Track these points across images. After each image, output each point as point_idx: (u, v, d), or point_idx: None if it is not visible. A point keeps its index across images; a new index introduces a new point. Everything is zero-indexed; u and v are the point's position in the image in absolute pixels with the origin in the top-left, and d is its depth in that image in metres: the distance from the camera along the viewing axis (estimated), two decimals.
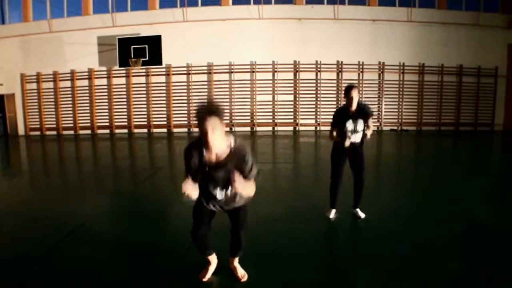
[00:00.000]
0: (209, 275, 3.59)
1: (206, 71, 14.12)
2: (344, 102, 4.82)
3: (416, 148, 11.73)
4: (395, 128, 14.51)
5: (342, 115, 4.78)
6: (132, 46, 13.73)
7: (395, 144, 12.08)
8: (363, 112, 4.72)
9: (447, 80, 14.51)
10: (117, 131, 14.38)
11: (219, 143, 2.96)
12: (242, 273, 3.57)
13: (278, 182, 7.15)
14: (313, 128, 14.40)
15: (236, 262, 3.65)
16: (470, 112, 14.73)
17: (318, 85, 14.19)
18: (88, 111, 14.48)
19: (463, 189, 6.62)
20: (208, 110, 2.84)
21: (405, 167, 8.42)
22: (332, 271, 3.74)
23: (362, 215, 5.08)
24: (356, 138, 4.78)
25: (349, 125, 4.74)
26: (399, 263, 3.78)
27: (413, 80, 14.39)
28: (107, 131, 14.44)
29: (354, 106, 4.67)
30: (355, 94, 4.63)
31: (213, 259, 3.64)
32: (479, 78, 14.62)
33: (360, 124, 4.72)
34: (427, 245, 4.14)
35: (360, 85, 14.14)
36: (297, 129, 14.38)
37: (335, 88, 14.22)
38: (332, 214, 5.07)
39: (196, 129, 13.49)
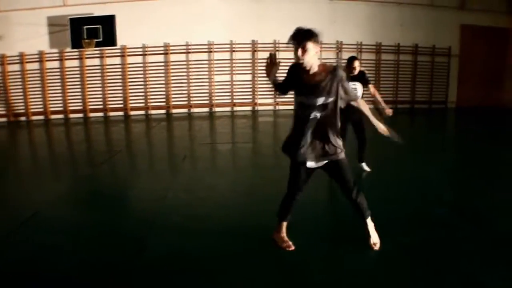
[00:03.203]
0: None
1: (162, 52, 13.80)
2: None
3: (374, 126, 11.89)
4: None
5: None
6: (85, 27, 13.18)
7: None
8: (363, 77, 5.83)
9: (403, 59, 14.78)
10: (71, 115, 13.85)
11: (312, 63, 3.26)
12: (374, 241, 3.65)
13: (238, 162, 7.17)
14: (271, 107, 14.42)
15: (369, 226, 3.70)
16: (425, 90, 15.11)
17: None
18: (40, 96, 13.84)
19: (421, 164, 6.79)
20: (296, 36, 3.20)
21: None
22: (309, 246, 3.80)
23: (367, 168, 6.07)
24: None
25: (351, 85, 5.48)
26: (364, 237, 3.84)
27: (370, 59, 14.54)
28: (62, 116, 13.89)
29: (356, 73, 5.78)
30: (357, 64, 5.75)
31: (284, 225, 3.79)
32: (433, 57, 14.98)
33: (360, 88, 5.70)
34: (388, 220, 4.20)
35: None
36: (256, 108, 14.33)
37: None
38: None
39: (152, 112, 13.29)
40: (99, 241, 3.97)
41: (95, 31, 13.25)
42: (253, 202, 5.02)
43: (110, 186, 6.19)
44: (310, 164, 3.44)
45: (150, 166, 7.65)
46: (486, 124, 12.16)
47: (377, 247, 3.64)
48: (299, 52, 3.15)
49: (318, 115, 3.28)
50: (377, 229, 3.73)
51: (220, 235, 4.06)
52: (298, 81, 3.33)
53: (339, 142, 3.42)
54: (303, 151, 3.38)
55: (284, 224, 3.74)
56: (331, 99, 3.27)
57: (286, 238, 3.74)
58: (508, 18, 15.19)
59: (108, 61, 13.89)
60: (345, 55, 14.22)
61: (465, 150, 8.56)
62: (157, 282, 3.26)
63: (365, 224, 3.68)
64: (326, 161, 3.43)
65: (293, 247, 3.66)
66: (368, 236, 3.68)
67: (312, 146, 3.37)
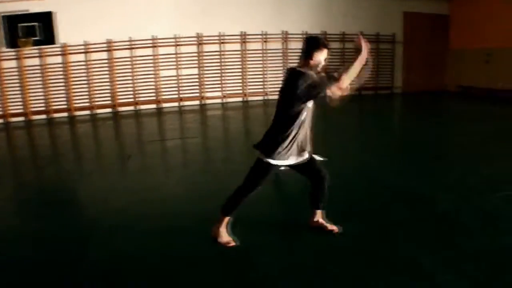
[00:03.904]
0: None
1: (105, 49, 13.38)
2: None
3: (322, 116, 12.04)
4: None
5: None
6: (21, 25, 12.59)
7: None
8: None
9: (349, 47, 14.95)
10: (12, 119, 13.21)
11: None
12: (331, 227, 3.79)
13: (186, 158, 7.06)
14: (219, 100, 14.32)
15: (323, 215, 3.87)
16: (371, 76, 15.33)
17: (222, 57, 14.03)
18: None
19: (365, 150, 6.89)
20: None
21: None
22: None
23: (320, 158, 5.49)
24: None
25: None
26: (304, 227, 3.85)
27: None
28: (1, 120, 13.25)
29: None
30: None
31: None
32: (378, 44, 15.27)
33: None
34: (334, 209, 4.19)
35: (264, 55, 14.17)
36: (203, 102, 14.18)
37: (239, 59, 14.21)
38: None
39: (98, 111, 12.84)
40: (41, 248, 3.80)
41: (32, 29, 12.65)
42: (201, 199, 4.91)
43: (51, 191, 5.93)
44: (291, 162, 3.52)
45: (94, 168, 7.38)
46: (429, 107, 12.65)
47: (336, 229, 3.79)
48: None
49: (307, 115, 3.47)
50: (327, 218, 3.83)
51: (166, 234, 3.95)
52: None
53: None
54: (292, 151, 3.46)
55: (227, 219, 3.66)
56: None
57: (226, 233, 3.66)
58: (448, 5, 15.84)
59: (49, 60, 13.31)
60: (291, 45, 14.33)
61: (409, 133, 8.85)
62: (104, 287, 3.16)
63: (315, 214, 3.84)
64: (307, 157, 3.57)
65: (233, 243, 3.60)
66: (324, 225, 3.82)
67: (301, 144, 3.50)
